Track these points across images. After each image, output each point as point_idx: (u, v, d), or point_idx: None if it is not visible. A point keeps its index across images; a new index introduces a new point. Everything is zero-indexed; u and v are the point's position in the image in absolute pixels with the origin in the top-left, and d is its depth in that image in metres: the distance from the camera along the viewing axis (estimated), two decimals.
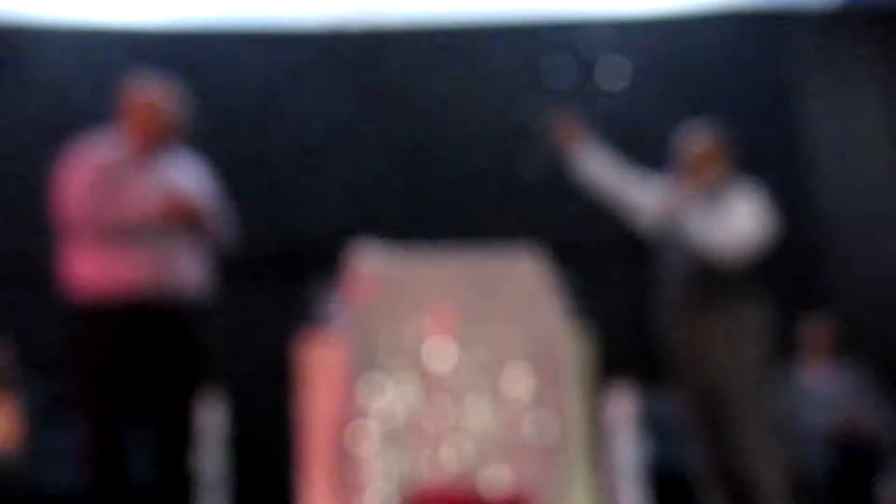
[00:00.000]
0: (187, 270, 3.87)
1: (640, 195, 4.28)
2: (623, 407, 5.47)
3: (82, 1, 6.55)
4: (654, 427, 5.47)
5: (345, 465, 3.74)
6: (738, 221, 4.02)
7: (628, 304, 5.06)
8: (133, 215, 3.78)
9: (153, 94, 3.99)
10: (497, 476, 3.62)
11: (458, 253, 3.91)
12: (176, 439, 3.83)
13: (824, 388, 5.54)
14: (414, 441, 3.67)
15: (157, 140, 3.95)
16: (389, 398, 3.72)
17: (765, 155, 4.70)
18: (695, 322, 4.08)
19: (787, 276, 5.24)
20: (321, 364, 4.11)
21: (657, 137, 4.84)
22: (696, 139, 4.21)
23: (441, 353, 3.74)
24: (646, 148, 4.83)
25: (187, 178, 4.02)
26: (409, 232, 4.65)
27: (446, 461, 3.64)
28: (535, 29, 6.65)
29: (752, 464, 3.93)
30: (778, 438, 4.07)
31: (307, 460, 4.10)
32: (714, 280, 4.05)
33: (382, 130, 6.50)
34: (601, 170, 4.30)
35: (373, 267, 3.86)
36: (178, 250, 3.85)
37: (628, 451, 5.41)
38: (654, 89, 6.54)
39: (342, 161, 6.31)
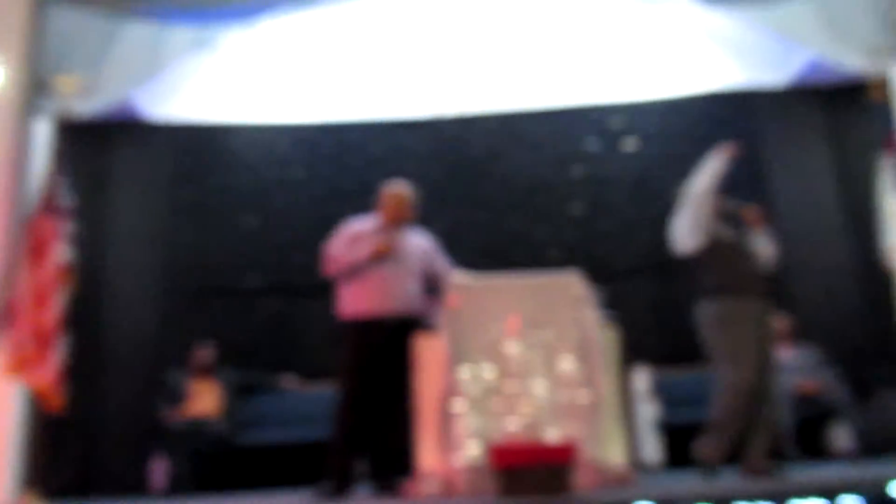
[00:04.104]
0: (405, 295, 4.08)
1: None
2: (642, 380, 5.46)
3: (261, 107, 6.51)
4: (664, 394, 5.43)
5: (446, 422, 3.81)
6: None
7: (643, 309, 4.98)
8: (358, 256, 4.05)
9: (400, 190, 4.23)
10: (553, 431, 3.65)
11: (522, 276, 3.95)
12: (397, 404, 4.00)
13: (789, 363, 5.47)
14: (493, 407, 3.71)
15: (399, 221, 4.19)
16: (475, 377, 3.75)
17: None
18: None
19: None
20: (430, 353, 4.15)
21: (661, 187, 4.82)
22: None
23: (511, 345, 3.77)
24: (652, 194, 4.81)
25: (412, 240, 4.22)
26: (487, 262, 4.66)
27: (516, 421, 3.68)
28: (572, 112, 6.51)
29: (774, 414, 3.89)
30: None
31: (421, 419, 4.25)
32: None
33: (467, 189, 6.46)
34: None
35: (463, 287, 3.93)
36: (398, 283, 4.06)
37: (647, 411, 5.39)
38: (658, 152, 6.38)
39: (439, 213, 5.97)
